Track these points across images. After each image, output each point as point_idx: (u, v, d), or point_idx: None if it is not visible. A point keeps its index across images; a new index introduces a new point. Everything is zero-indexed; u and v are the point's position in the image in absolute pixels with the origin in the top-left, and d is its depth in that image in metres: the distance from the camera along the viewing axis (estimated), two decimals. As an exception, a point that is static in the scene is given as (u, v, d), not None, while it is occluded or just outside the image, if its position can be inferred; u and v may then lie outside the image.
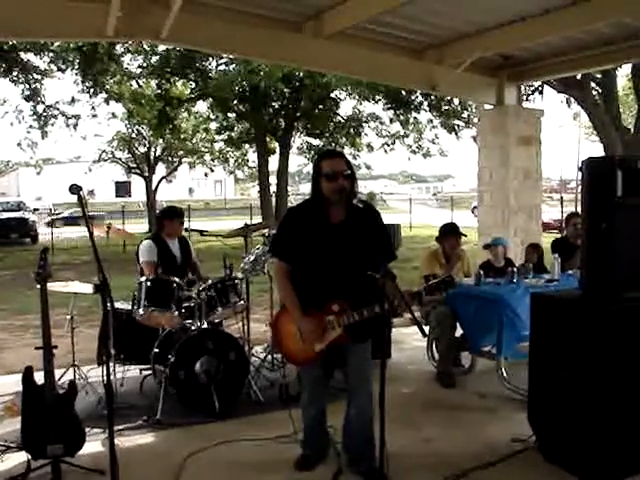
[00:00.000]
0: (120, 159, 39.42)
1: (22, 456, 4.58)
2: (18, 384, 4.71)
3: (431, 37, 8.17)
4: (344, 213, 4.26)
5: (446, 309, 6.76)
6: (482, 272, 6.85)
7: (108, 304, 4.20)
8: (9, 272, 17.22)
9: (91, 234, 3.89)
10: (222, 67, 23.83)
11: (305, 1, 6.78)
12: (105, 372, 3.84)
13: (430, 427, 5.45)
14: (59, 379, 5.41)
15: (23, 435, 4.49)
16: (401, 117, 25.78)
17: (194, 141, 34.24)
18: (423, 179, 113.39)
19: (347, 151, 28.82)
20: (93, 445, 4.75)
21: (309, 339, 4.27)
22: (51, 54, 22.69)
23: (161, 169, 39.89)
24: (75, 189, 3.85)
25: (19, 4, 5.93)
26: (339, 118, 27.28)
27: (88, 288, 6.17)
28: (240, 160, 33.77)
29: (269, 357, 7.00)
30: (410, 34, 7.99)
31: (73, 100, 26.66)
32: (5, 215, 29.03)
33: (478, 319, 6.53)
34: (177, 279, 6.10)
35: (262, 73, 20.06)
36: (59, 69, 23.75)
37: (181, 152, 36.39)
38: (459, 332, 6.86)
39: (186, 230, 7.57)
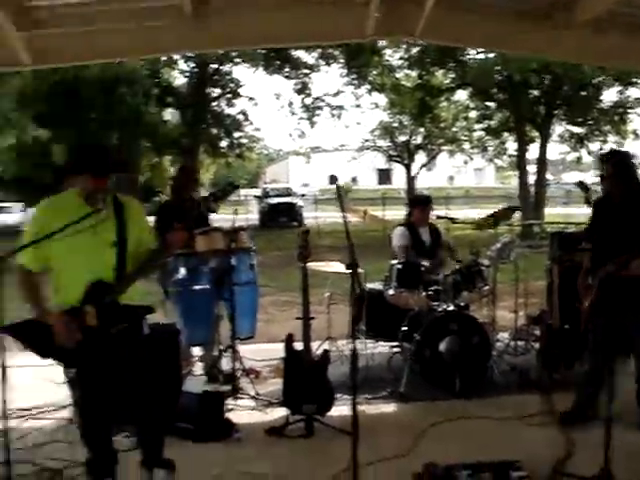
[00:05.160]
0: (382, 147, 40.64)
1: (283, 411, 5.30)
2: (280, 351, 5.48)
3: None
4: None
5: None
6: None
7: (356, 283, 4.62)
8: (278, 253, 18.44)
9: (345, 219, 4.33)
10: (481, 56, 23.75)
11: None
12: (352, 344, 4.27)
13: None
14: (316, 349, 5.98)
15: (284, 393, 5.22)
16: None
17: (453, 130, 34.41)
18: None
19: (611, 139, 27.48)
20: (342, 409, 5.19)
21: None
22: (319, 50, 24.09)
23: (421, 157, 40.52)
24: (333, 179, 4.33)
25: (288, 14, 6.61)
26: (602, 105, 25.96)
27: (344, 268, 6.72)
28: (499, 148, 33.38)
29: (512, 343, 7.14)
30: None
31: (338, 92, 28.06)
32: (275, 200, 31.21)
33: None
34: (426, 262, 6.48)
35: (513, 64, 19.75)
36: (326, 64, 25.16)
37: (440, 140, 36.71)
38: None
39: (438, 217, 7.90)
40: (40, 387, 5.99)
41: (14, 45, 6.38)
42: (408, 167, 39.90)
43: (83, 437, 4.16)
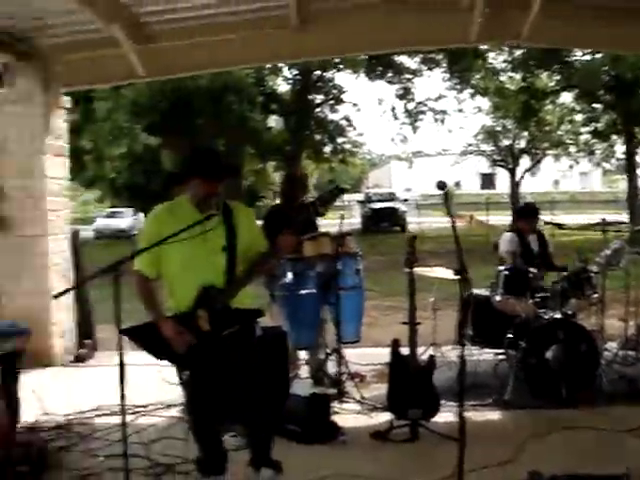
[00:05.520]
0: (485, 152, 40.14)
1: (387, 416, 5.36)
2: (384, 356, 5.55)
3: None
4: None
5: None
6: None
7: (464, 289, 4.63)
8: (381, 257, 18.46)
9: (454, 225, 4.32)
10: (587, 57, 23.15)
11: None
12: (460, 352, 4.27)
13: None
14: (421, 355, 5.99)
15: (389, 398, 5.27)
16: None
17: (559, 133, 33.63)
18: None
19: None
20: (447, 415, 5.21)
21: None
22: (421, 55, 24.10)
23: (525, 161, 39.79)
24: (441, 184, 4.35)
25: (393, 21, 6.68)
26: None
27: (451, 274, 6.70)
28: (607, 151, 32.37)
29: (622, 352, 6.94)
30: None
31: (440, 96, 27.95)
32: (378, 205, 31.31)
33: None
34: (534, 270, 6.39)
35: (623, 64, 19.14)
36: (428, 68, 25.13)
37: (545, 144, 35.95)
38: None
39: (546, 223, 7.80)
40: (154, 385, 6.26)
41: (131, 59, 6.71)
42: (512, 171, 39.26)
43: (194, 436, 4.32)
